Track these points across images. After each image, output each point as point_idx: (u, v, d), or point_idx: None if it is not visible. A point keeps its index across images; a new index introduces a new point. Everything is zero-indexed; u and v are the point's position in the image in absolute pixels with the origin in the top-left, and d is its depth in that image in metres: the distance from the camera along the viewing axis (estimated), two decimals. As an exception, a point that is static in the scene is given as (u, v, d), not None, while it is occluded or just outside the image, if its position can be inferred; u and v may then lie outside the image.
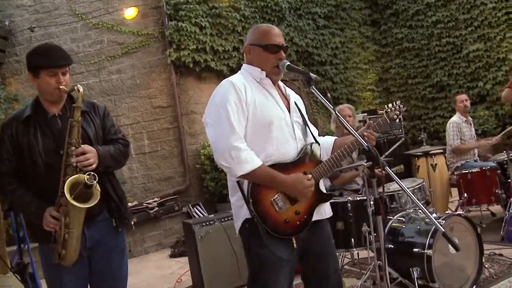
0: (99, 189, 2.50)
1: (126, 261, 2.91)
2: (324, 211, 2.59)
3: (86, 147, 2.54)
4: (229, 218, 4.57)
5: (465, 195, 5.43)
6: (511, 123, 9.64)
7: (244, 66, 2.63)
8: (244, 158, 2.29)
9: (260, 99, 2.46)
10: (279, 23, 9.17)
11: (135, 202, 7.32)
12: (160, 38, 8.00)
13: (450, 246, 3.64)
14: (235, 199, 2.48)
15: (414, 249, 3.60)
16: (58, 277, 2.65)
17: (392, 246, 3.84)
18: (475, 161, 6.16)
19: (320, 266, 2.57)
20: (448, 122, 6.35)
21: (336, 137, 2.75)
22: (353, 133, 2.29)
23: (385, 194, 4.36)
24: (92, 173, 2.42)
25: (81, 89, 2.51)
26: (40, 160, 2.56)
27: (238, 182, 2.41)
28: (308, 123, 2.67)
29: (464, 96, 6.41)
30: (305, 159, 2.50)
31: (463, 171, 5.61)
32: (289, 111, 2.56)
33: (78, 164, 2.48)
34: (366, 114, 8.10)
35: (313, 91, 2.39)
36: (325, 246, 2.59)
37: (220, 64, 8.20)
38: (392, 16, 11.16)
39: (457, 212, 3.85)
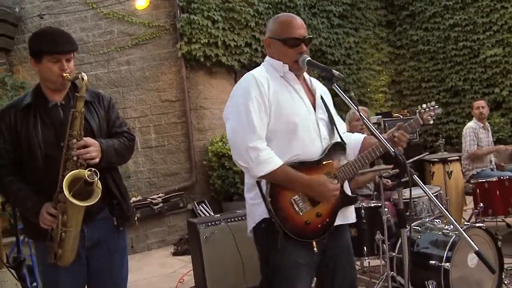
0: (101, 187, 2.34)
1: (126, 261, 2.75)
2: (349, 215, 2.44)
3: (88, 140, 2.37)
4: (236, 219, 4.40)
5: (481, 204, 5.21)
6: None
7: (267, 59, 2.48)
8: (264, 158, 2.16)
9: (283, 95, 2.32)
10: (293, 20, 8.96)
11: (139, 197, 7.17)
12: (172, 30, 7.82)
13: (468, 260, 3.47)
14: (252, 196, 2.35)
15: (431, 261, 3.42)
16: (54, 277, 2.49)
17: (406, 257, 3.65)
18: (492, 169, 5.95)
19: (335, 274, 2.40)
20: (465, 127, 6.14)
21: (365, 135, 2.57)
22: (378, 135, 2.11)
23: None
24: (93, 169, 2.26)
25: (85, 77, 2.34)
26: (39, 152, 2.39)
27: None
28: (336, 119, 2.50)
29: (481, 103, 6.17)
30: (330, 158, 2.34)
31: (480, 180, 5.40)
32: (314, 107, 2.41)
33: (79, 157, 2.31)
34: (380, 116, 7.87)
35: (335, 89, 2.22)
36: (343, 253, 2.44)
37: (231, 60, 8.00)
38: (408, 18, 10.90)
39: (478, 224, 3.65)
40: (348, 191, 2.45)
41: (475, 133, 5.95)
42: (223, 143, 7.17)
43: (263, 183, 2.25)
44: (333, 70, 2.23)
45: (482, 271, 3.50)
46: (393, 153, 2.01)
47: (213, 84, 8.06)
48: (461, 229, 2.02)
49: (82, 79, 2.33)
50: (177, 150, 7.77)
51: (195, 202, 7.34)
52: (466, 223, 4.22)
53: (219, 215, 4.47)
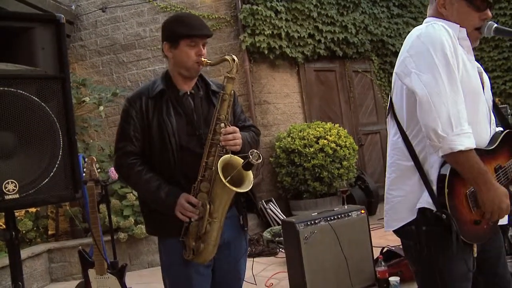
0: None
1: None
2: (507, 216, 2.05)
3: (234, 127, 2.23)
4: (336, 217, 4.03)
5: None
6: None
7: (433, 20, 2.00)
8: (467, 131, 1.75)
9: (466, 61, 1.91)
10: (354, 10, 8.55)
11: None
12: (232, 22, 7.51)
13: None
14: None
15: None
16: (186, 276, 2.28)
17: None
18: None
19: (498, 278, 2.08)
20: None
21: None
22: None
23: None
24: (255, 151, 2.07)
25: (236, 58, 2.22)
26: (173, 141, 2.25)
27: (417, 161, 1.91)
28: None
29: None
30: (502, 149, 1.98)
31: None
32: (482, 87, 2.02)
33: (224, 144, 2.16)
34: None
35: None
36: (502, 253, 2.10)
37: (295, 52, 7.62)
38: (470, 5, 10.33)
39: None
40: None
41: None
42: (291, 139, 6.80)
43: (430, 166, 1.88)
44: None
45: None
46: None
47: (276, 77, 7.70)
48: None
49: (233, 60, 2.23)
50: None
51: (263, 200, 7.00)
52: None
53: (316, 213, 4.10)
